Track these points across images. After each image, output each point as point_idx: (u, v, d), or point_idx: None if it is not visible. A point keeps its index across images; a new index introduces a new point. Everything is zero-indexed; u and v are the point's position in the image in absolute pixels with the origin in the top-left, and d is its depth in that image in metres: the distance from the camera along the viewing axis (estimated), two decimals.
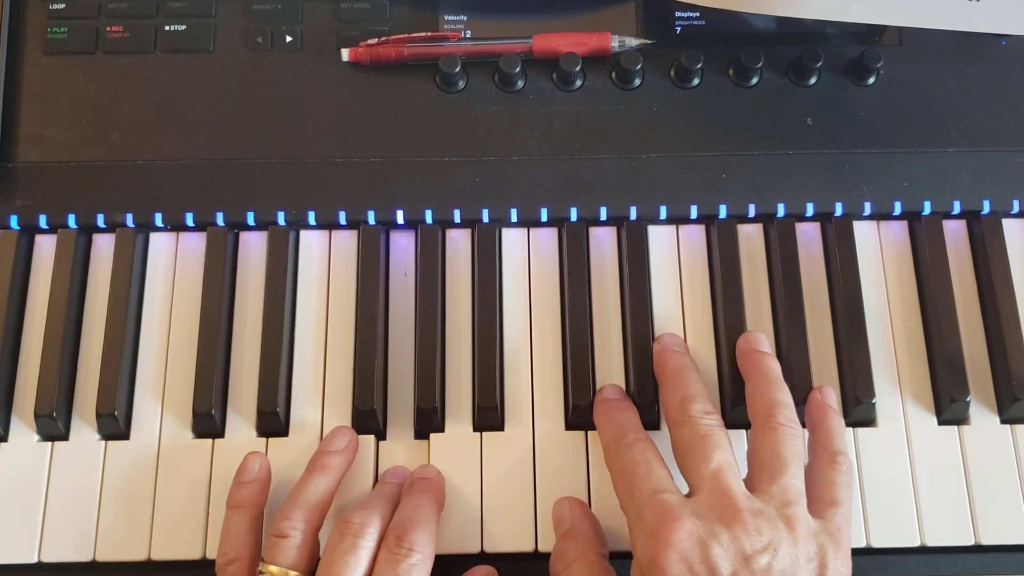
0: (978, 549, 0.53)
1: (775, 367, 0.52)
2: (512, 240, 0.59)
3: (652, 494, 0.46)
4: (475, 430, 0.55)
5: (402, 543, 0.47)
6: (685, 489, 0.48)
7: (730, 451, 0.48)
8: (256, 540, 0.50)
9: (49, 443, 0.54)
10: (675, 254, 0.59)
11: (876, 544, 0.52)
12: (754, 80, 0.60)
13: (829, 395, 0.53)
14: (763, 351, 0.53)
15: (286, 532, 0.48)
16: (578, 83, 0.60)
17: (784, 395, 0.50)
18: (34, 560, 0.52)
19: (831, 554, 0.45)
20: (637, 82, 0.60)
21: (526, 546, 0.52)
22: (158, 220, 0.58)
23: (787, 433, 0.48)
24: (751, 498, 0.45)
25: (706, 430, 0.48)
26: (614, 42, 0.60)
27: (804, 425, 0.52)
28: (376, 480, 0.54)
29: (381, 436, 0.55)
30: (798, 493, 0.46)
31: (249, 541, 0.50)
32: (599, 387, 0.55)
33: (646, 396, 0.54)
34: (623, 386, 0.55)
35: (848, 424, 0.55)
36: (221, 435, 0.55)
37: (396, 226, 0.58)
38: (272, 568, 0.47)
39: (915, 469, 0.54)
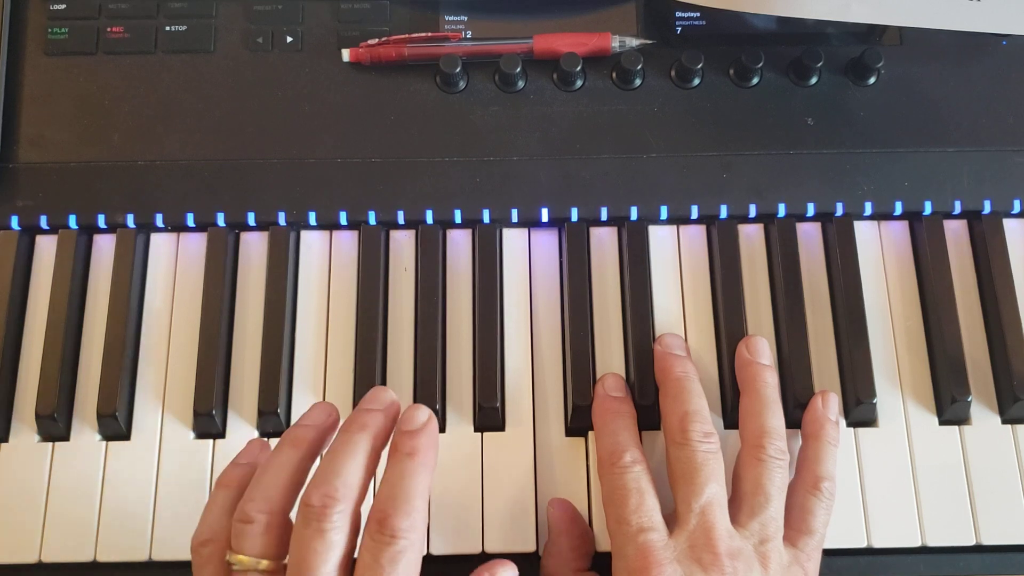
0: (979, 549, 0.53)
1: (772, 383, 0.52)
2: (513, 240, 0.59)
3: (638, 532, 0.47)
4: (476, 430, 0.55)
5: (384, 528, 0.42)
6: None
7: (722, 481, 0.48)
8: None
9: (50, 444, 0.54)
10: (676, 254, 0.59)
11: (877, 544, 0.52)
12: (755, 80, 0.60)
13: (831, 405, 0.53)
14: (762, 363, 0.53)
15: (250, 517, 0.43)
16: (579, 83, 0.60)
17: (776, 421, 0.51)
18: (35, 560, 0.52)
19: None
20: (638, 82, 0.60)
21: (527, 547, 0.52)
22: (159, 220, 0.58)
23: (773, 467, 0.49)
24: (732, 535, 0.47)
25: (702, 458, 0.48)
26: (615, 42, 0.60)
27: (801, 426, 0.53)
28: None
29: None
30: (776, 528, 0.48)
31: (227, 524, 0.45)
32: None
33: (647, 397, 0.54)
34: (624, 380, 0.55)
35: (849, 424, 0.55)
36: (222, 435, 0.55)
37: (397, 226, 0.58)
38: (240, 557, 0.43)
39: (916, 469, 0.54)
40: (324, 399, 0.55)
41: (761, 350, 0.54)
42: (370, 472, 0.44)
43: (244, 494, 0.45)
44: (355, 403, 0.54)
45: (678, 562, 0.46)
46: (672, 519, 0.48)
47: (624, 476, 0.48)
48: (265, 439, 0.52)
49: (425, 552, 0.51)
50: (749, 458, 0.50)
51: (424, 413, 0.46)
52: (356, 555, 0.43)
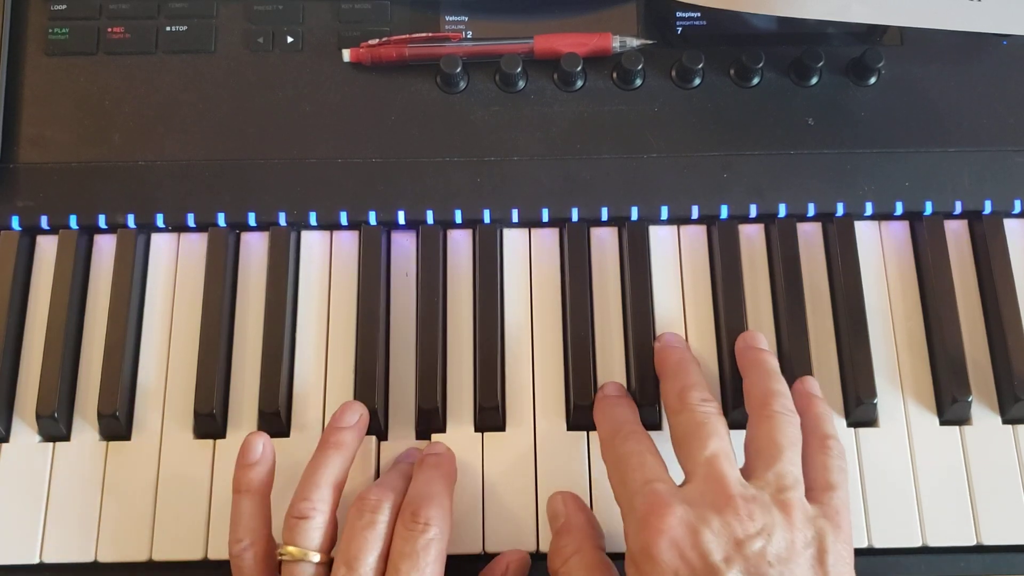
0: (980, 549, 0.53)
1: (772, 362, 0.52)
2: (513, 240, 0.59)
3: (644, 483, 0.46)
4: (476, 430, 0.55)
5: (417, 519, 0.47)
6: (681, 478, 0.48)
7: (727, 438, 0.47)
8: (268, 524, 0.49)
9: (51, 444, 0.54)
10: (676, 254, 0.59)
11: (878, 544, 0.52)
12: (755, 80, 0.60)
13: (812, 384, 0.53)
14: (761, 347, 0.53)
15: (306, 513, 0.48)
16: (579, 83, 0.60)
17: (780, 385, 0.50)
18: (36, 561, 0.52)
19: (830, 538, 0.44)
20: (638, 82, 0.60)
21: (528, 547, 0.52)
22: (159, 221, 0.58)
23: (783, 420, 0.48)
24: (745, 484, 0.45)
25: (703, 417, 0.48)
26: (615, 42, 0.60)
27: None
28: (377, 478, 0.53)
29: (383, 436, 0.55)
30: (795, 479, 0.46)
31: (260, 525, 0.49)
32: (601, 382, 0.55)
33: (647, 396, 0.54)
34: (624, 386, 0.55)
35: (849, 424, 0.55)
36: (223, 436, 0.55)
37: (397, 226, 0.58)
38: (292, 550, 0.47)
39: (917, 469, 0.54)
40: (325, 400, 0.55)
41: (758, 338, 0.54)
42: (406, 486, 0.50)
43: (296, 492, 0.48)
44: None
45: (689, 504, 0.44)
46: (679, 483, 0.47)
47: (626, 442, 0.48)
48: (264, 433, 0.52)
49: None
50: (758, 417, 0.48)
51: (444, 447, 0.53)
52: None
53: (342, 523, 0.49)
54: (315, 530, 0.47)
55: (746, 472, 0.47)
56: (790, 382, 0.54)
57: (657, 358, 0.54)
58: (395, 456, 0.54)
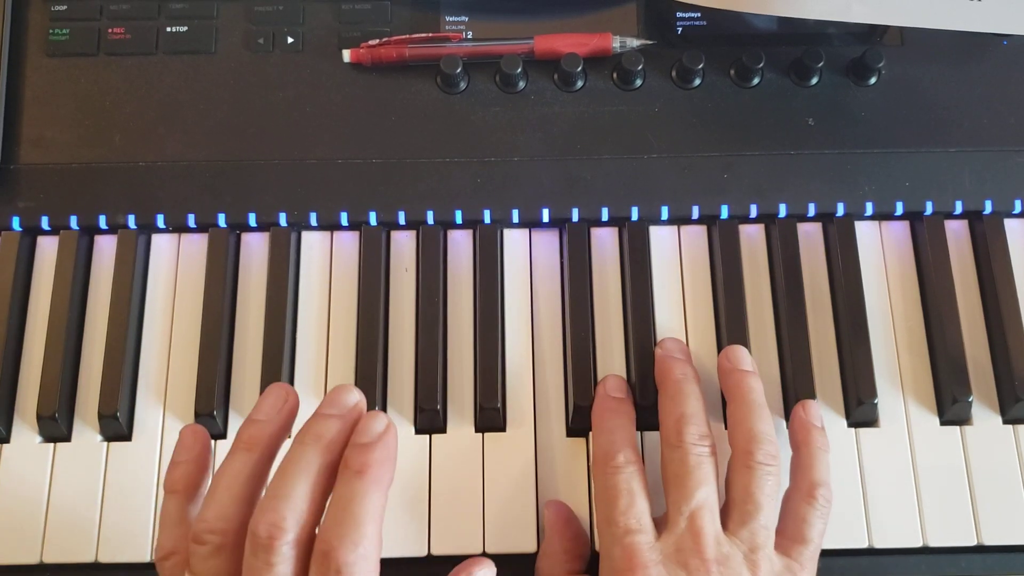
0: (980, 549, 0.53)
1: (757, 388, 0.51)
2: (514, 241, 0.59)
3: (626, 533, 0.46)
4: (477, 431, 0.55)
5: (329, 563, 0.38)
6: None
7: (713, 486, 0.48)
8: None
9: (51, 444, 0.54)
10: (677, 255, 0.59)
11: (878, 544, 0.52)
12: (755, 80, 0.60)
13: (813, 412, 0.52)
14: (745, 369, 0.52)
15: (202, 538, 0.40)
16: (579, 84, 0.60)
17: (763, 425, 0.50)
18: (36, 561, 0.52)
19: None
20: (638, 83, 0.60)
21: (528, 547, 0.52)
22: (160, 221, 0.58)
23: (763, 473, 0.48)
24: (720, 542, 0.46)
25: (695, 461, 0.48)
26: (615, 43, 0.60)
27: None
28: None
29: None
30: (767, 537, 0.47)
31: (184, 532, 0.43)
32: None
33: (647, 398, 0.54)
34: (626, 382, 0.55)
35: (850, 425, 0.55)
36: (224, 436, 0.55)
37: (398, 227, 0.58)
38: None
39: (917, 469, 0.54)
40: None
41: (742, 357, 0.53)
42: (325, 490, 0.41)
43: (199, 511, 0.42)
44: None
45: (663, 565, 0.45)
46: (663, 522, 0.48)
47: (616, 476, 0.48)
48: (198, 426, 0.48)
49: (426, 553, 0.52)
50: (739, 465, 0.49)
51: (381, 423, 0.42)
52: None
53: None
54: (211, 558, 0.40)
55: (724, 515, 0.48)
56: (791, 382, 0.54)
57: (658, 367, 0.53)
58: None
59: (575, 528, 0.52)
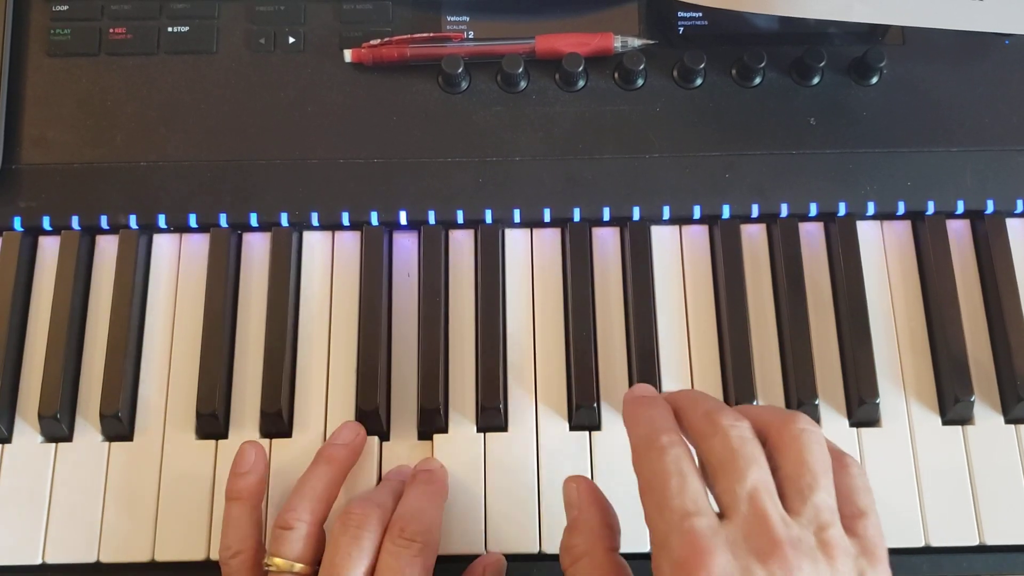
0: (983, 549, 0.53)
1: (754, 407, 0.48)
2: (515, 240, 0.59)
3: (683, 517, 0.40)
4: (478, 431, 0.55)
5: (404, 534, 0.47)
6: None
7: (765, 466, 0.42)
8: (258, 532, 0.50)
9: (53, 444, 0.54)
10: (678, 254, 0.59)
11: None
12: (757, 80, 0.60)
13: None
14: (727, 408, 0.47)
15: (290, 524, 0.48)
16: (581, 83, 0.60)
17: (782, 410, 0.45)
18: (38, 561, 0.52)
19: (870, 574, 0.41)
20: (640, 82, 0.60)
21: (530, 547, 0.52)
22: (161, 221, 0.58)
23: (811, 439, 0.42)
24: (788, 523, 0.40)
25: (738, 443, 0.42)
26: (617, 42, 0.60)
27: None
28: (380, 481, 0.54)
29: (385, 437, 0.55)
30: (832, 512, 0.42)
31: (251, 533, 0.50)
32: (604, 388, 0.55)
33: None
34: (626, 388, 0.55)
35: (852, 425, 0.55)
36: (225, 436, 0.55)
37: (399, 227, 0.58)
38: (277, 560, 0.48)
39: (919, 469, 0.54)
40: (327, 400, 0.55)
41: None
42: (396, 499, 0.50)
43: (285, 503, 0.49)
44: (356, 403, 0.54)
45: (731, 551, 0.39)
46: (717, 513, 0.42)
47: (663, 458, 0.42)
48: (257, 443, 0.53)
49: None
50: (780, 439, 0.43)
51: (439, 463, 0.54)
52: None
53: None
54: (298, 541, 0.48)
55: (780, 497, 0.42)
56: (792, 382, 0.54)
57: (666, 397, 0.47)
58: (396, 457, 0.54)
59: (605, 501, 0.47)
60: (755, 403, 0.54)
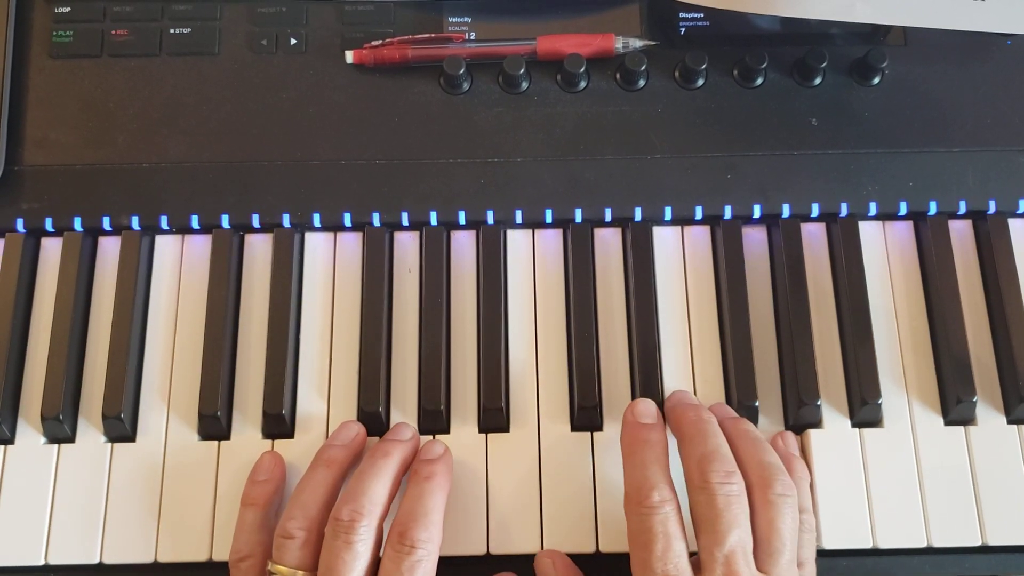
0: (985, 550, 0.53)
1: (752, 425, 0.52)
2: (517, 241, 0.59)
3: None
4: (480, 431, 0.55)
5: (404, 540, 0.47)
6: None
7: (746, 526, 0.47)
8: (268, 538, 0.50)
9: (55, 445, 0.54)
10: (680, 255, 0.59)
11: (883, 545, 0.52)
12: (759, 81, 0.60)
13: (791, 443, 0.53)
14: (735, 416, 0.53)
15: (291, 533, 0.48)
16: (582, 84, 0.60)
17: (773, 457, 0.49)
18: (41, 562, 0.52)
19: None
20: (641, 83, 0.60)
21: (532, 547, 0.52)
22: (163, 223, 0.58)
23: (784, 506, 0.48)
24: None
25: (723, 503, 0.47)
26: (618, 43, 0.60)
27: None
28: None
29: None
30: (794, 573, 0.48)
31: (261, 539, 0.50)
32: (606, 388, 0.55)
33: (651, 398, 0.54)
34: (628, 389, 0.55)
35: (854, 425, 0.55)
36: (227, 437, 0.55)
37: (401, 228, 0.58)
38: (280, 568, 0.48)
39: (921, 469, 0.54)
40: (329, 400, 0.55)
41: (728, 408, 0.54)
42: (392, 493, 0.50)
43: (284, 511, 0.49)
44: (358, 404, 0.54)
45: None
46: (696, 565, 0.47)
47: (651, 518, 0.47)
48: (276, 453, 0.53)
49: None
50: (760, 500, 0.48)
51: (441, 447, 0.53)
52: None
53: None
54: (298, 549, 0.48)
55: (754, 549, 0.47)
56: (794, 383, 0.54)
57: (671, 416, 0.52)
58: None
59: (579, 573, 0.51)
60: (755, 404, 0.54)
